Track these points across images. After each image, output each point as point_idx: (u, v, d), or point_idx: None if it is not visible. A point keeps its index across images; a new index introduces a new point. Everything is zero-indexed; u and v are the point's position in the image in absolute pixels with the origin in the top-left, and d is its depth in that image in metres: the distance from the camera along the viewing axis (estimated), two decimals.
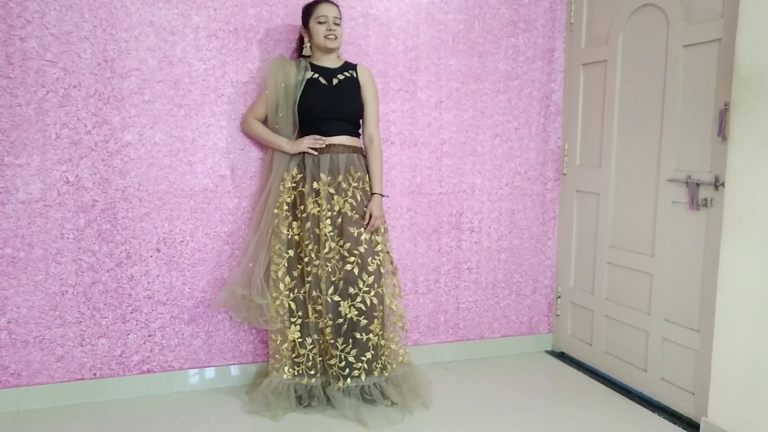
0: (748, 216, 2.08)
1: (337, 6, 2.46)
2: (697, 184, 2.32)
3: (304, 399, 2.46)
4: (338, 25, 2.43)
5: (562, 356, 3.19)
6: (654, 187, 2.56)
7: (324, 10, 2.40)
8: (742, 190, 2.10)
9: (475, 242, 3.08)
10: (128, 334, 2.58)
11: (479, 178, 3.05)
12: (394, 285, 2.57)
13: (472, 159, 3.02)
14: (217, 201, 2.64)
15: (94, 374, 2.56)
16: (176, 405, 2.53)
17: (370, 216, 2.44)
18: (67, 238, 2.46)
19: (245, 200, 2.65)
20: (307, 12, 2.44)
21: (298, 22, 2.64)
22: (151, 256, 2.57)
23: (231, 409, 2.49)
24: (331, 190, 2.42)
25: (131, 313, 2.57)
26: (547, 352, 3.25)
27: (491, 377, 2.86)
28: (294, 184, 2.45)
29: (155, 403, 2.54)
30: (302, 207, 2.43)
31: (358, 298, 2.42)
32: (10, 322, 2.43)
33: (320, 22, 2.39)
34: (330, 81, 2.45)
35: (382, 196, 2.53)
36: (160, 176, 2.55)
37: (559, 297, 3.23)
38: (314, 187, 2.42)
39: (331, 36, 2.40)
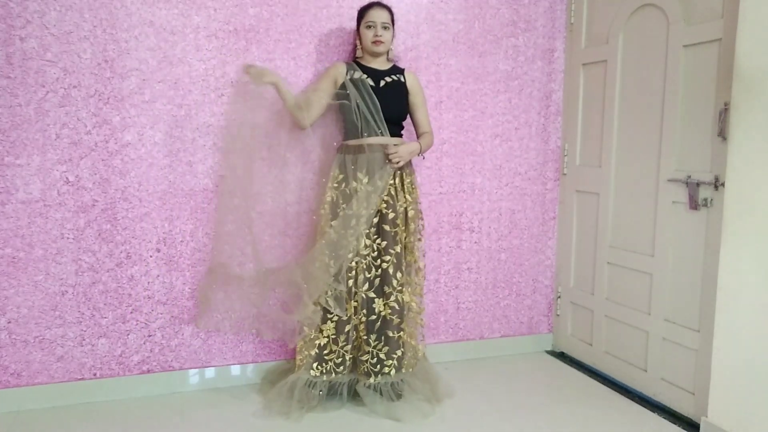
0: (748, 216, 2.08)
1: (387, 9, 2.52)
2: (697, 184, 2.32)
3: (324, 396, 2.47)
4: (387, 29, 2.50)
5: (562, 356, 3.19)
6: (654, 187, 2.56)
7: (372, 15, 2.49)
8: (742, 190, 2.10)
9: (475, 242, 3.08)
10: (128, 334, 2.58)
11: (479, 178, 3.05)
12: (416, 283, 2.62)
13: (472, 159, 3.02)
14: (218, 201, 2.63)
15: (94, 374, 2.56)
16: (176, 405, 2.53)
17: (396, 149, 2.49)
18: (67, 238, 2.46)
19: (245, 200, 2.65)
20: (360, 16, 2.53)
21: (298, 22, 2.65)
22: (151, 256, 2.57)
23: (231, 409, 2.49)
24: (369, 188, 2.47)
25: (131, 313, 2.57)
26: (547, 352, 3.25)
27: (491, 377, 2.86)
28: (336, 185, 2.51)
29: (155, 403, 2.54)
30: (344, 206, 2.47)
31: (392, 297, 2.48)
32: (10, 322, 2.43)
33: (368, 27, 2.49)
34: (377, 83, 2.52)
35: (420, 153, 2.61)
36: (160, 176, 2.55)
37: (559, 297, 3.23)
38: (353, 186, 2.47)
39: (377, 41, 2.47)
